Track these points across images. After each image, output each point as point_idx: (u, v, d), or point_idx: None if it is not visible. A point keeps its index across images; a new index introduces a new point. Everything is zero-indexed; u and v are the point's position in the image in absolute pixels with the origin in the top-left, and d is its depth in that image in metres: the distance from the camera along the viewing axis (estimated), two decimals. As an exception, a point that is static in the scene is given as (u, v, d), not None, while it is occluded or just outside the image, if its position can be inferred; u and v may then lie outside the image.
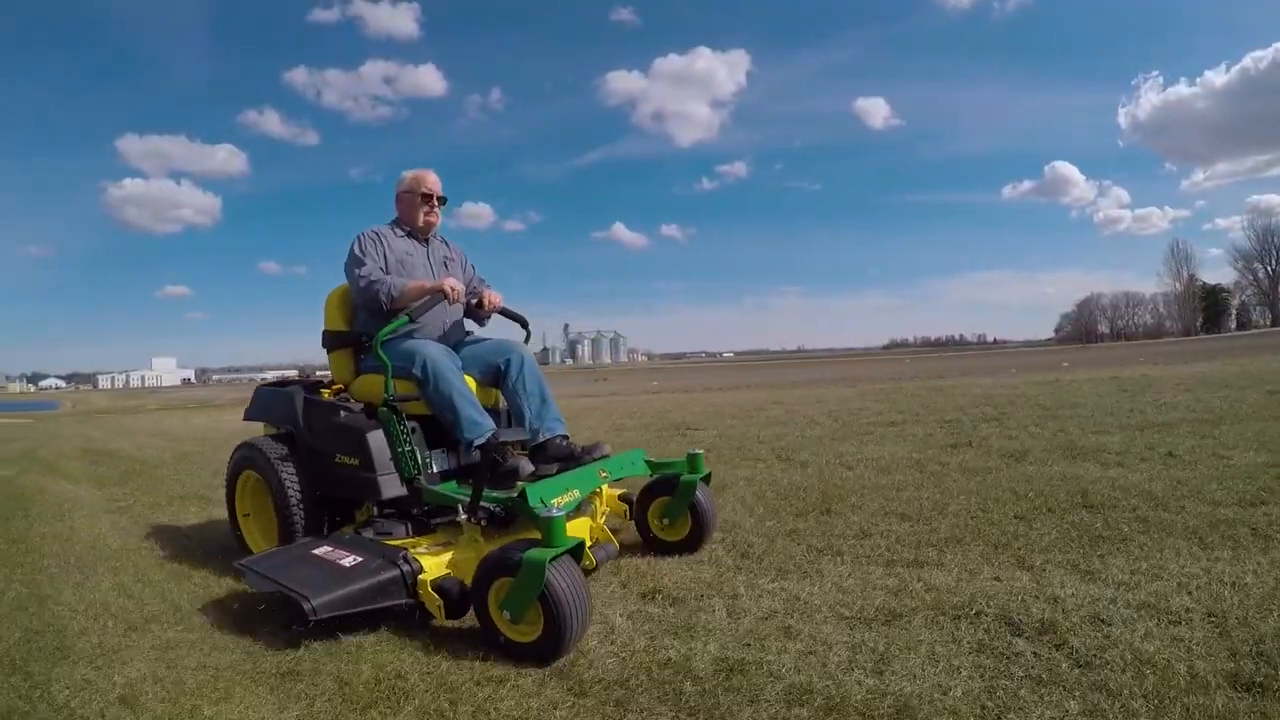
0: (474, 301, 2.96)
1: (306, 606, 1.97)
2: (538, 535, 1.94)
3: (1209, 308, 78.18)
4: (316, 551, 2.31)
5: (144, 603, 2.44)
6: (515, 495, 2.17)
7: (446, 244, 3.08)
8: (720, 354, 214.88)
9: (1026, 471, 3.64)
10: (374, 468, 2.45)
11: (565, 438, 2.65)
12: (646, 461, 2.74)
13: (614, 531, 2.74)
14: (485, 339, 2.94)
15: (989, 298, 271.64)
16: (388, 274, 2.74)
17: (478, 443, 2.48)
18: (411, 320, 2.60)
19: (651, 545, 2.76)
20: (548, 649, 1.84)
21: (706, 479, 2.73)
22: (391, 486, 2.46)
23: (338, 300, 2.95)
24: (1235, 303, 78.04)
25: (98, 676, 1.88)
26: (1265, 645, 1.68)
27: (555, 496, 2.19)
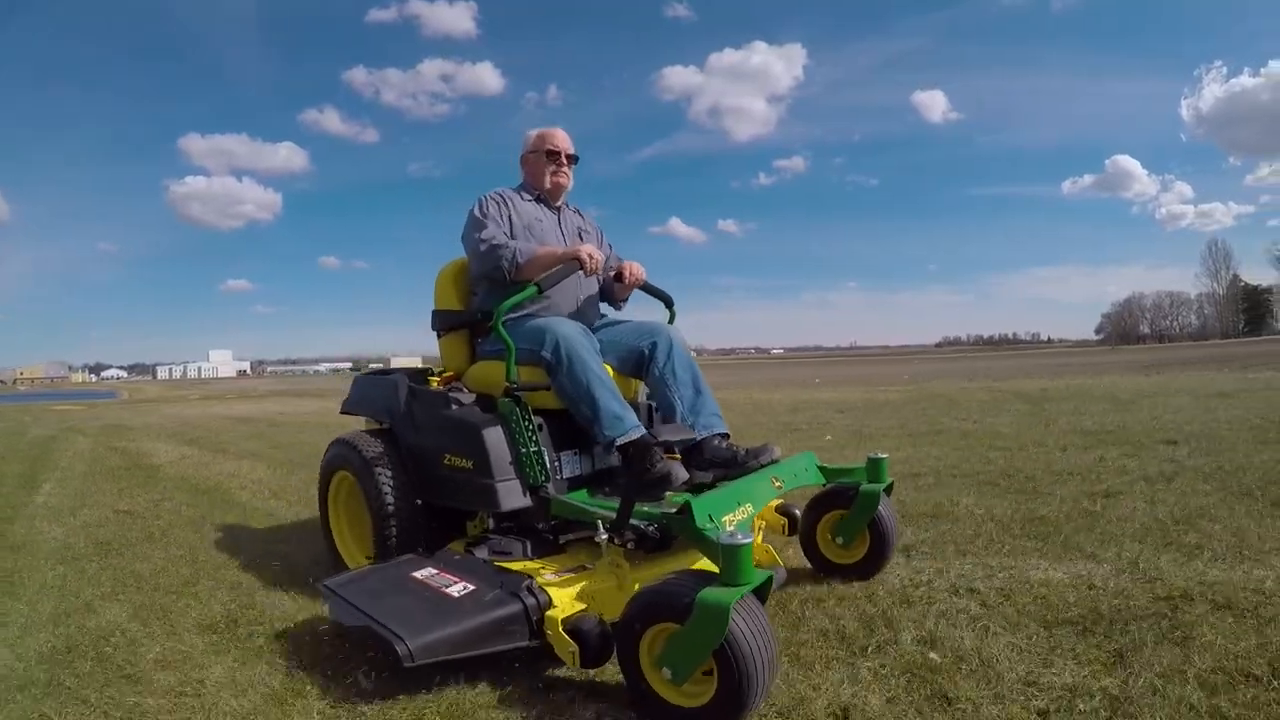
0: (612, 274, 2.54)
1: (401, 650, 1.57)
2: (695, 562, 1.50)
3: (1250, 309, 75.76)
4: (418, 574, 1.92)
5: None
6: (675, 511, 1.73)
7: (581, 214, 2.68)
8: (770, 350, 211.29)
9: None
10: (491, 472, 2.02)
11: (726, 437, 2.21)
12: (819, 468, 2.29)
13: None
14: (623, 321, 2.53)
15: (1050, 294, 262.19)
16: (513, 239, 2.34)
17: (621, 441, 2.03)
18: (540, 291, 2.19)
19: (820, 568, 2.34)
20: (724, 716, 1.41)
21: (889, 489, 2.29)
22: (513, 496, 2.03)
23: (451, 276, 2.57)
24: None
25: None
26: None
27: (728, 512, 1.75)
